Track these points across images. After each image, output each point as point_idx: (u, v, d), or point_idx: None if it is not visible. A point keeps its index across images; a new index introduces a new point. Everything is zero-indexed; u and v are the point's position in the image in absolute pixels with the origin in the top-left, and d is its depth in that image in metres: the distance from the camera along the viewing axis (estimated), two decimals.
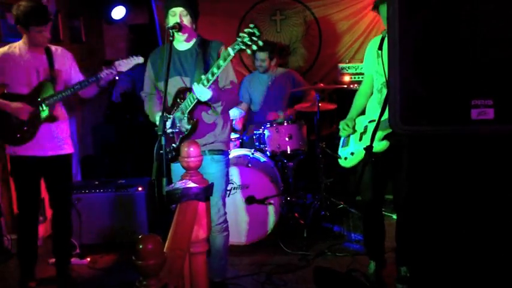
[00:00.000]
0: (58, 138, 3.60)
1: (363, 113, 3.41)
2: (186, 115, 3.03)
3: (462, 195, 1.82)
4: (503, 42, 1.51)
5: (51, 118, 3.53)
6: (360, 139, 3.30)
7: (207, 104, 3.03)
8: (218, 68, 2.82)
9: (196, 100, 2.96)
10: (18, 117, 3.46)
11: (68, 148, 3.69)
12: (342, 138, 3.50)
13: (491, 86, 1.53)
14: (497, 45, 1.51)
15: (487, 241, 1.80)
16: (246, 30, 2.71)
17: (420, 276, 2.06)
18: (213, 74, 2.84)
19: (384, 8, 3.01)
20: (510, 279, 1.79)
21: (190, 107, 3.01)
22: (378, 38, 3.30)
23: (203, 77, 2.87)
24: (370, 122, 3.26)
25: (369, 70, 3.35)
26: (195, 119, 3.04)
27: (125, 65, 3.48)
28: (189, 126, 3.04)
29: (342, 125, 3.40)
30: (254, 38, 2.69)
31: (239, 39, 2.72)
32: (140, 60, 3.50)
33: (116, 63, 3.48)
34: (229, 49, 2.77)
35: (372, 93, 3.33)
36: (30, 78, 3.49)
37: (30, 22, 3.36)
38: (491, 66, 1.52)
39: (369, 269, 3.48)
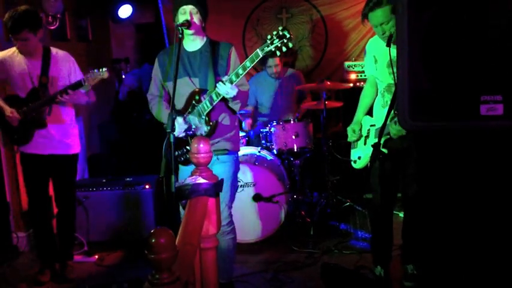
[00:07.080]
0: (56, 139, 3.62)
1: (369, 112, 3.41)
2: (203, 117, 3.02)
3: (472, 192, 1.82)
4: None
5: (40, 124, 3.56)
6: (365, 143, 3.30)
7: (225, 104, 3.03)
8: (244, 69, 2.83)
9: (217, 100, 2.93)
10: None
11: (68, 149, 3.69)
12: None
13: (501, 82, 1.53)
14: (506, 40, 1.52)
15: (497, 237, 1.81)
16: (275, 32, 2.70)
17: (429, 274, 2.07)
18: (237, 75, 2.84)
19: (373, 15, 2.94)
20: None
21: (209, 109, 2.99)
22: (372, 41, 3.29)
23: (226, 77, 2.87)
24: (371, 126, 3.26)
25: (370, 72, 3.34)
26: (213, 121, 3.03)
27: (92, 79, 3.43)
28: (207, 128, 3.02)
29: (349, 130, 3.40)
30: (285, 41, 2.69)
31: (268, 41, 2.71)
32: (105, 75, 3.45)
33: (85, 76, 3.43)
34: (258, 50, 2.76)
35: (377, 93, 3.33)
36: (25, 83, 3.55)
37: (8, 32, 3.44)
38: (500, 62, 1.53)
39: (375, 271, 3.48)
